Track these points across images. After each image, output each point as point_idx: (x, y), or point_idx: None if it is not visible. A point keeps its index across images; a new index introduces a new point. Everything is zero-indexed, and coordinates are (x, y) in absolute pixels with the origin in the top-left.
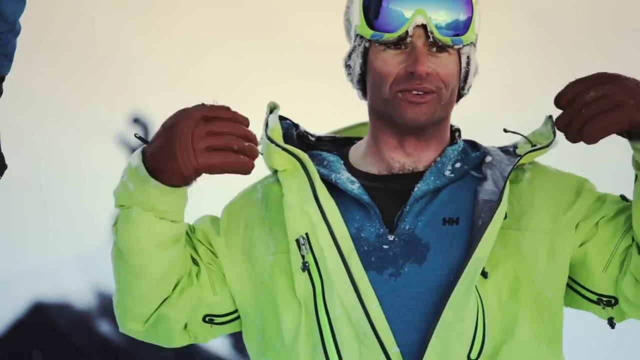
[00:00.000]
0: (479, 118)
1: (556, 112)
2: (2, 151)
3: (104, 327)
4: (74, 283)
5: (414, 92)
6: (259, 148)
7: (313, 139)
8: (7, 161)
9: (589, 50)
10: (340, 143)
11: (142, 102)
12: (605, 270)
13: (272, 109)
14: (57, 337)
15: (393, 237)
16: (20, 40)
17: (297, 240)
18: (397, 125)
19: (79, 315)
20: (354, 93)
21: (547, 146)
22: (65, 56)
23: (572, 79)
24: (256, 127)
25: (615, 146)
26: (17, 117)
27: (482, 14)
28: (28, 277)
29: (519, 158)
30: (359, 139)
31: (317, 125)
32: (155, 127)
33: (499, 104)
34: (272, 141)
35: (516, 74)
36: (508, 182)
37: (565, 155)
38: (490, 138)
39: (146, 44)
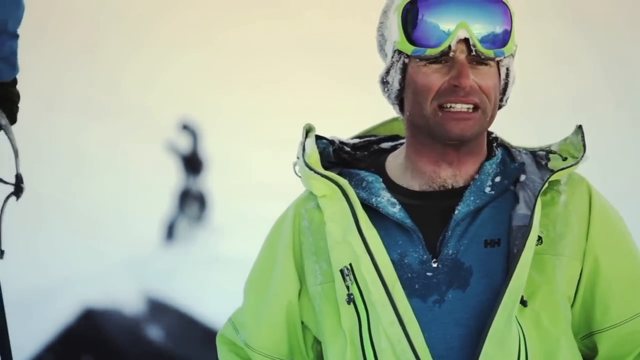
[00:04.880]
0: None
1: (583, 119)
2: (20, 172)
3: (153, 332)
4: (123, 289)
5: (458, 108)
6: (296, 169)
7: (349, 149)
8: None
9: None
10: (376, 151)
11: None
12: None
13: (308, 131)
14: (107, 342)
15: (437, 264)
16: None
17: (342, 271)
18: (440, 139)
19: (129, 321)
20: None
21: (578, 162)
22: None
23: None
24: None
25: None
26: (56, 121)
27: (531, 23)
28: (78, 284)
29: (548, 177)
30: (393, 137)
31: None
32: (204, 129)
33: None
34: (310, 168)
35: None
36: (539, 204)
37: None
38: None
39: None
